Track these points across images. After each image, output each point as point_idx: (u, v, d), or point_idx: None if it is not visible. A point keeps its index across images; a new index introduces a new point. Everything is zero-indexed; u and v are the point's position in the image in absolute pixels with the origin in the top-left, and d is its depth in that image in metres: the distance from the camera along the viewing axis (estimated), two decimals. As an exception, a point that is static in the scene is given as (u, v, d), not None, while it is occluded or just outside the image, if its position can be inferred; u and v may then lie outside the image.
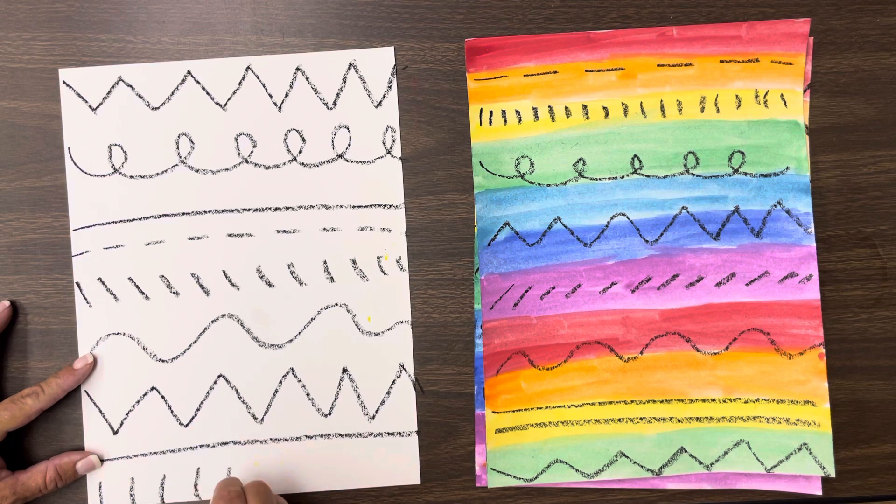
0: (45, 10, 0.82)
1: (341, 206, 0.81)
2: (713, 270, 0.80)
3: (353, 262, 0.81)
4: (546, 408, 0.80)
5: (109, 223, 0.81)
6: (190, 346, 0.81)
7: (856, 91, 0.81)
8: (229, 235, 0.81)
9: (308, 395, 0.81)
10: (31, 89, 0.81)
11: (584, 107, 0.81)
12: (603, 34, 0.80)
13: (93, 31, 0.82)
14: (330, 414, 0.81)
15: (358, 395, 0.81)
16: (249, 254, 0.81)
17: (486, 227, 0.80)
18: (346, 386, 0.81)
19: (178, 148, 0.81)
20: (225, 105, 0.81)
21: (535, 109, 0.81)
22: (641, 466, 0.79)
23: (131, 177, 0.81)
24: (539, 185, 0.81)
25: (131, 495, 0.80)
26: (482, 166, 0.81)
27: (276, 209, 0.81)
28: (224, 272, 0.81)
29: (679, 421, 0.79)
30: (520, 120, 0.81)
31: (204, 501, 0.81)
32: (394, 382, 0.81)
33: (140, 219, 0.81)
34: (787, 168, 0.80)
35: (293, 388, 0.81)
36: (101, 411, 0.80)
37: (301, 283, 0.81)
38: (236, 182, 0.81)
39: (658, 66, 0.80)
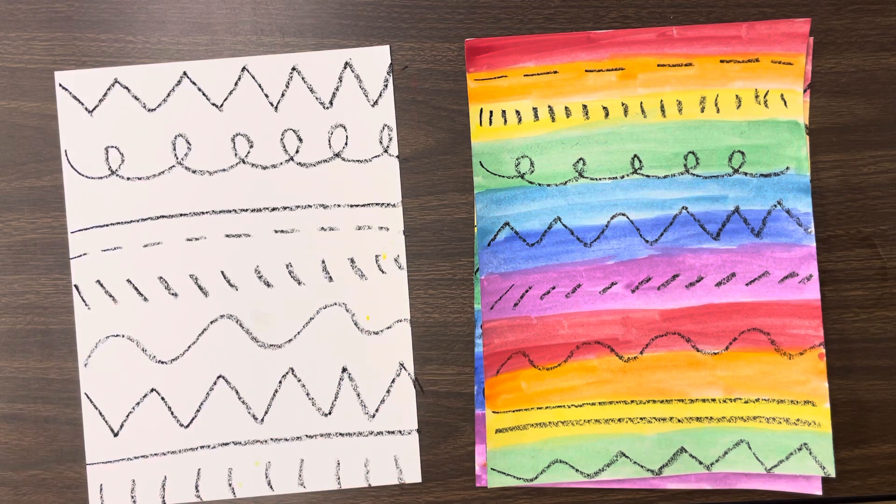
0: (44, 10, 0.82)
1: (339, 206, 0.81)
2: (713, 270, 0.80)
3: (352, 261, 0.81)
4: (546, 408, 0.80)
5: (107, 225, 0.81)
6: (189, 347, 0.81)
7: (856, 91, 0.81)
8: (227, 236, 0.81)
9: (308, 394, 0.81)
10: (30, 89, 0.81)
11: (584, 107, 0.81)
12: (603, 34, 0.80)
13: (93, 32, 0.82)
14: (330, 413, 0.81)
15: (358, 394, 0.81)
16: (247, 254, 0.81)
17: (486, 227, 0.80)
18: (346, 385, 0.81)
19: (174, 149, 0.81)
20: (221, 106, 0.81)
21: (535, 109, 0.81)
22: (641, 466, 0.79)
23: (128, 178, 0.81)
24: (539, 185, 0.81)
25: (132, 497, 0.80)
26: (482, 166, 0.81)
27: (273, 209, 0.81)
28: (222, 273, 0.81)
29: (679, 421, 0.79)
30: (520, 120, 0.81)
31: (205, 503, 0.81)
32: (393, 381, 0.81)
33: (138, 220, 0.81)
34: (788, 168, 0.79)
35: (293, 388, 0.81)
36: (100, 413, 0.80)
37: (299, 283, 0.81)
38: (233, 183, 0.81)
39: (658, 66, 0.80)
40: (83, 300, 0.81)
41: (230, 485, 0.81)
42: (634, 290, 0.80)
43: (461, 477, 0.81)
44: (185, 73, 0.81)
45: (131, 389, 0.81)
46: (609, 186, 0.80)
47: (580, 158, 0.80)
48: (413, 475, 0.81)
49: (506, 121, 0.81)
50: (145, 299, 0.81)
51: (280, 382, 0.81)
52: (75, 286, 0.81)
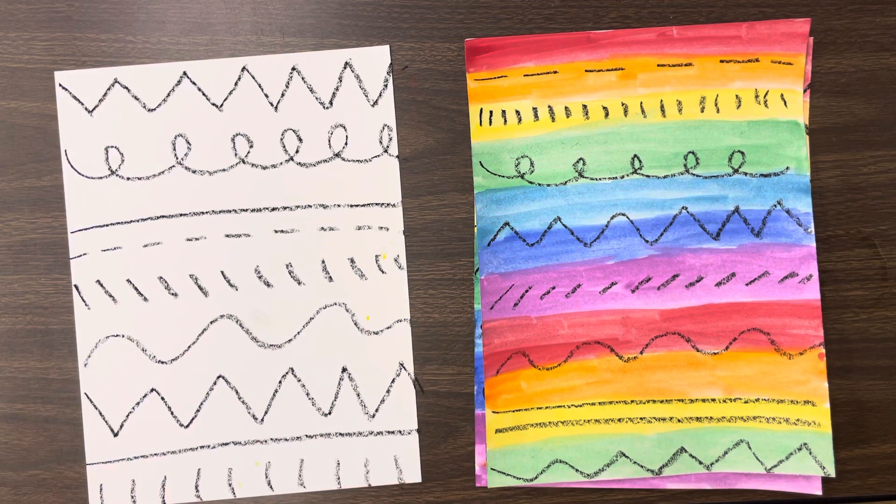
0: (44, 10, 0.82)
1: (339, 206, 0.81)
2: (713, 270, 0.80)
3: (352, 261, 0.81)
4: (546, 408, 0.80)
5: (107, 225, 0.81)
6: (189, 347, 0.81)
7: (856, 91, 0.81)
8: (227, 236, 0.81)
9: (308, 394, 0.81)
10: (30, 89, 0.81)
11: (584, 107, 0.81)
12: (603, 34, 0.80)
13: (93, 32, 0.82)
14: (330, 413, 0.81)
15: (358, 394, 0.81)
16: (247, 254, 0.81)
17: (486, 227, 0.80)
18: (346, 385, 0.81)
19: (174, 149, 0.81)
20: (221, 106, 0.81)
21: (535, 109, 0.81)
22: (641, 466, 0.79)
23: (128, 178, 0.81)
24: (539, 185, 0.81)
25: (132, 497, 0.80)
26: (482, 166, 0.81)
27: (273, 209, 0.81)
28: (222, 273, 0.81)
29: (679, 421, 0.79)
30: (520, 120, 0.81)
31: (205, 503, 0.81)
32: (393, 381, 0.81)
33: (138, 220, 0.81)
34: (787, 168, 0.79)
35: (293, 388, 0.81)
36: (100, 413, 0.80)
37: (299, 283, 0.81)
38: (233, 183, 0.81)
39: (658, 66, 0.80)
40: (83, 300, 0.81)
41: (230, 485, 0.81)
42: (634, 290, 0.80)
43: (461, 477, 0.81)
44: (185, 73, 0.81)
45: (131, 389, 0.81)
46: (609, 186, 0.80)
47: (580, 158, 0.80)
48: (413, 475, 0.81)
49: (506, 121, 0.81)
50: (145, 299, 0.81)
51: (280, 382, 0.81)
52: (75, 286, 0.81)
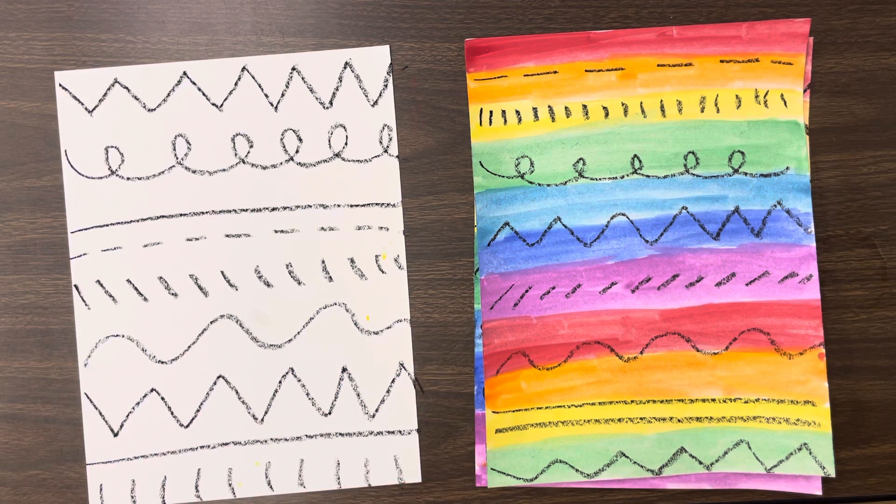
0: (44, 10, 0.82)
1: (339, 206, 0.81)
2: (713, 270, 0.80)
3: (352, 261, 0.81)
4: (546, 408, 0.80)
5: (107, 225, 0.81)
6: (189, 347, 0.81)
7: (856, 91, 0.81)
8: (227, 236, 0.81)
9: (308, 394, 0.81)
10: (30, 89, 0.81)
11: (584, 107, 0.81)
12: (603, 34, 0.80)
13: (92, 32, 0.82)
14: (330, 413, 0.81)
15: (358, 394, 0.81)
16: (247, 254, 0.81)
17: (486, 227, 0.80)
18: (346, 385, 0.81)
19: (174, 149, 0.81)
20: (221, 106, 0.81)
21: (535, 109, 0.81)
22: (641, 466, 0.79)
23: (128, 178, 0.81)
24: (539, 185, 0.81)
25: (132, 497, 0.80)
26: (482, 166, 0.81)
27: (273, 209, 0.81)
28: (222, 273, 0.81)
29: (679, 421, 0.79)
30: (520, 120, 0.81)
31: (205, 503, 0.81)
32: (393, 381, 0.81)
33: (138, 220, 0.81)
34: (787, 168, 0.79)
35: (293, 388, 0.81)
36: (100, 413, 0.80)
37: (299, 283, 0.81)
38: (233, 183, 0.81)
39: (658, 66, 0.80)
40: (83, 300, 0.81)
41: (230, 485, 0.81)
42: (634, 290, 0.80)
43: (461, 477, 0.81)
44: (185, 73, 0.81)
45: (131, 389, 0.81)
46: (609, 186, 0.80)
47: (580, 158, 0.80)
48: (413, 475, 0.81)
49: (506, 121, 0.81)
50: (145, 299, 0.81)
51: (280, 382, 0.81)
52: (75, 286, 0.81)
